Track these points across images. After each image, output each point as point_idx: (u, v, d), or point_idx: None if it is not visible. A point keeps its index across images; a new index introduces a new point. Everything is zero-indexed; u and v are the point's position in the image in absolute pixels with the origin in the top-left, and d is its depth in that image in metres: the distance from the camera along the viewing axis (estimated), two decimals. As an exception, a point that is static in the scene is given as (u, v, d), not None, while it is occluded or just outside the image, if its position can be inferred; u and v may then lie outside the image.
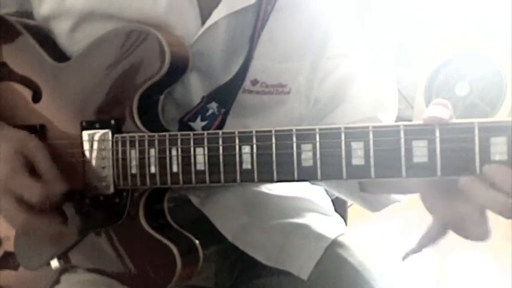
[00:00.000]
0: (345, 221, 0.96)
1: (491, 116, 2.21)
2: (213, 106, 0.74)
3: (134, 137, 0.70)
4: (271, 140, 0.62)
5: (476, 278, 1.75)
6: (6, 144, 0.70)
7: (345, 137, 0.59)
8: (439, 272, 1.80)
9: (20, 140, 0.71)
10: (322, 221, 0.85)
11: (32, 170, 0.70)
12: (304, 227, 0.83)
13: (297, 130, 0.61)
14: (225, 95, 0.74)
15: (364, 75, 0.80)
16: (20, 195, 0.69)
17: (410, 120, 0.59)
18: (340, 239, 0.81)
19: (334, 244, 0.80)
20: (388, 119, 0.80)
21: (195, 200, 0.85)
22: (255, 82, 0.75)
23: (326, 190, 0.94)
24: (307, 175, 0.61)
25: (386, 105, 0.81)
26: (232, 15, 0.72)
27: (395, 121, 0.79)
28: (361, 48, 0.81)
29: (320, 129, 0.60)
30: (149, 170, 0.69)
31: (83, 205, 0.74)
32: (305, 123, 0.80)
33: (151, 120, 0.72)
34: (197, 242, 0.74)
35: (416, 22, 2.63)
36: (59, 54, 0.78)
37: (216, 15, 0.72)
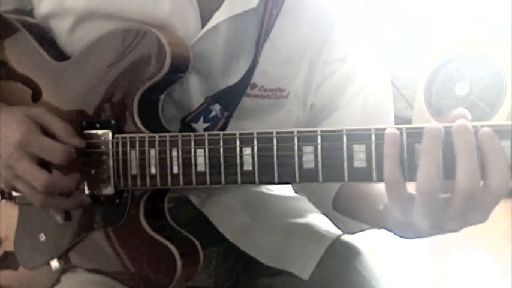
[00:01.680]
0: (345, 221, 0.96)
1: (491, 115, 2.21)
2: (216, 108, 0.74)
3: (134, 137, 0.70)
4: (272, 141, 0.62)
5: (476, 278, 1.74)
6: (16, 114, 0.70)
7: (347, 139, 0.59)
8: (439, 272, 1.80)
9: (24, 108, 0.72)
10: (323, 221, 0.85)
11: (44, 133, 0.70)
12: (305, 227, 0.83)
13: (298, 132, 0.61)
14: (230, 99, 0.74)
15: (359, 80, 0.79)
16: (40, 156, 0.68)
17: (411, 120, 0.58)
18: (341, 239, 0.81)
19: (335, 244, 0.80)
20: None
21: (195, 201, 0.84)
22: (253, 86, 0.75)
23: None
24: (308, 177, 0.61)
25: (381, 113, 0.81)
26: (233, 19, 0.72)
27: (395, 122, 0.79)
28: (359, 53, 0.80)
29: (322, 131, 0.60)
30: (149, 170, 0.69)
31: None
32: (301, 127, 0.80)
33: (151, 120, 0.72)
34: (197, 242, 0.74)
35: (416, 22, 2.62)
36: (58, 53, 0.77)
37: (217, 18, 0.71)
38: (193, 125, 0.74)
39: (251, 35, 0.73)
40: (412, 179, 0.56)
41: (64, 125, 0.71)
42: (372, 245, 0.83)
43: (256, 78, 0.74)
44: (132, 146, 0.70)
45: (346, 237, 0.82)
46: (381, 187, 0.61)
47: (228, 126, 0.74)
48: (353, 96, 0.78)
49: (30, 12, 0.80)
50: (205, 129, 0.74)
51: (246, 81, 0.73)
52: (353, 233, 0.80)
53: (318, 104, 0.79)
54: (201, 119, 0.74)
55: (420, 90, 2.41)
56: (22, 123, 0.69)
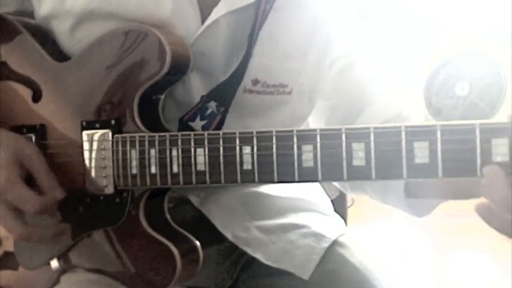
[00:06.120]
0: (345, 221, 0.96)
1: (491, 115, 2.22)
2: (212, 105, 0.74)
3: (134, 137, 0.70)
4: (271, 140, 0.62)
5: (476, 278, 1.75)
6: (3, 151, 0.70)
7: (346, 138, 0.59)
8: (439, 272, 1.80)
9: (16, 147, 0.72)
10: (322, 221, 0.85)
11: (29, 177, 0.71)
12: (304, 227, 0.83)
13: (297, 131, 0.61)
14: (224, 94, 0.74)
15: (380, 74, 0.80)
16: (16, 205, 0.69)
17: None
18: (341, 239, 0.81)
19: (335, 244, 0.80)
20: (415, 114, 0.80)
21: (194, 200, 0.84)
22: (255, 82, 0.75)
23: (325, 190, 0.94)
24: (308, 176, 0.61)
25: (409, 101, 0.81)
26: (232, 14, 0.72)
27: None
28: (369, 48, 0.80)
29: (321, 130, 0.60)
30: (149, 170, 0.69)
31: (83, 205, 0.74)
32: (306, 123, 0.80)
33: (151, 120, 0.72)
34: (197, 242, 0.74)
35: (416, 22, 2.63)
36: (59, 54, 0.77)
37: (216, 13, 0.72)
38: (191, 123, 0.74)
39: (248, 30, 0.73)
40: (411, 176, 0.56)
41: (48, 174, 0.71)
42: (373, 245, 0.83)
43: (258, 73, 0.75)
44: (132, 145, 0.70)
45: (346, 237, 0.82)
46: None
47: (225, 122, 0.74)
48: (379, 91, 0.79)
49: (31, 14, 0.80)
50: (203, 127, 0.74)
51: (239, 75, 0.73)
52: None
53: (342, 104, 0.80)
54: (198, 117, 0.74)
55: (420, 91, 2.42)
56: (6, 170, 0.69)
